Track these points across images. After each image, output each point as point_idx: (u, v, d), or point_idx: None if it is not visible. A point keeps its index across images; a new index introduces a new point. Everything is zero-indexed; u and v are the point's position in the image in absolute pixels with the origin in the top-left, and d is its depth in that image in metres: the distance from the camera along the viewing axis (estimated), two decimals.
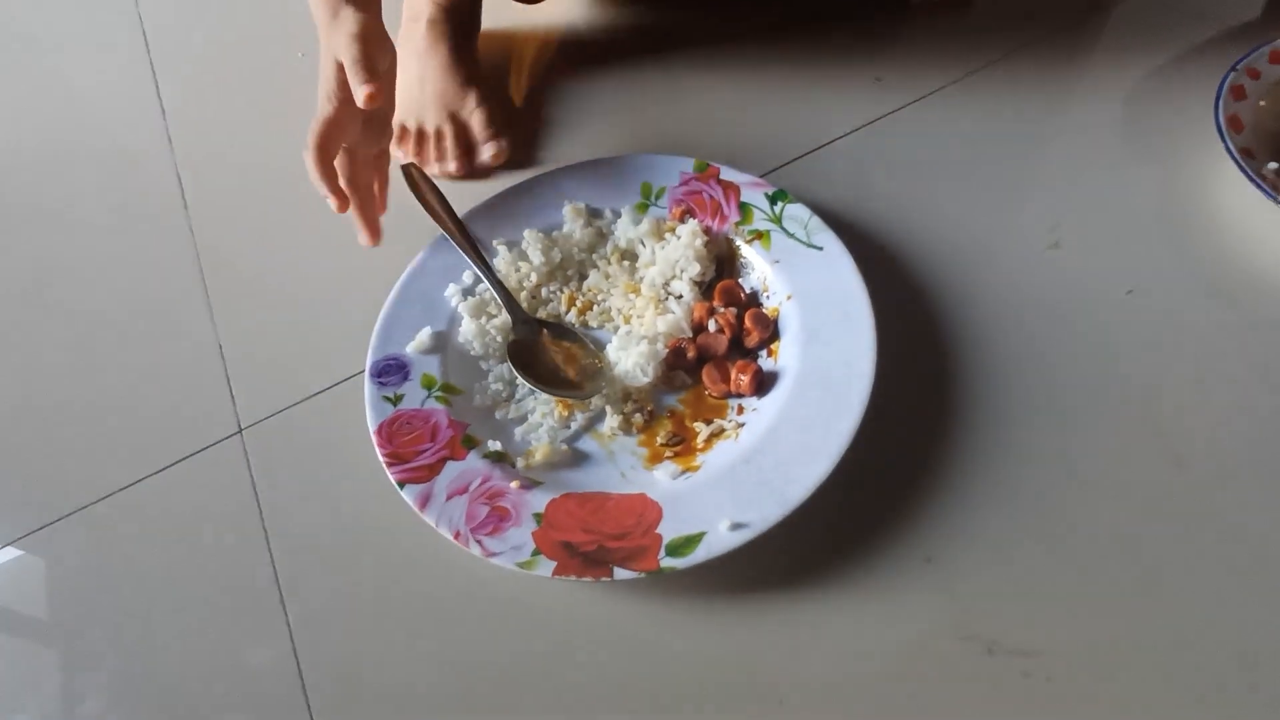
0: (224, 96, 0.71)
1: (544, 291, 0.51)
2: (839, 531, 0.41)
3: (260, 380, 0.51)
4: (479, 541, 0.39)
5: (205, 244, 0.59)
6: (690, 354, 0.46)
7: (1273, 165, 0.49)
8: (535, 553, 0.39)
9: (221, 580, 0.43)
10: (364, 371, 0.47)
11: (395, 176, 0.55)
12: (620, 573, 0.38)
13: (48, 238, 0.62)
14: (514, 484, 0.42)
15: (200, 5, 0.80)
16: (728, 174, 0.53)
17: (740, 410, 0.45)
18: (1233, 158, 0.48)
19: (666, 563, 0.38)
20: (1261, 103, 0.52)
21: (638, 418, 0.45)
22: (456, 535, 0.40)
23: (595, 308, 0.51)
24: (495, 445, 0.44)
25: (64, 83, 0.75)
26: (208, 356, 0.53)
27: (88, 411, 0.52)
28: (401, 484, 0.42)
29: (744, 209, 0.52)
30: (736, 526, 0.38)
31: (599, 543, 0.39)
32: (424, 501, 0.41)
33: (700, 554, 0.38)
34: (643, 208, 0.53)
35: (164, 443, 0.49)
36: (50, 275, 0.60)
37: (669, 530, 0.39)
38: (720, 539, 0.38)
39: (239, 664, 0.41)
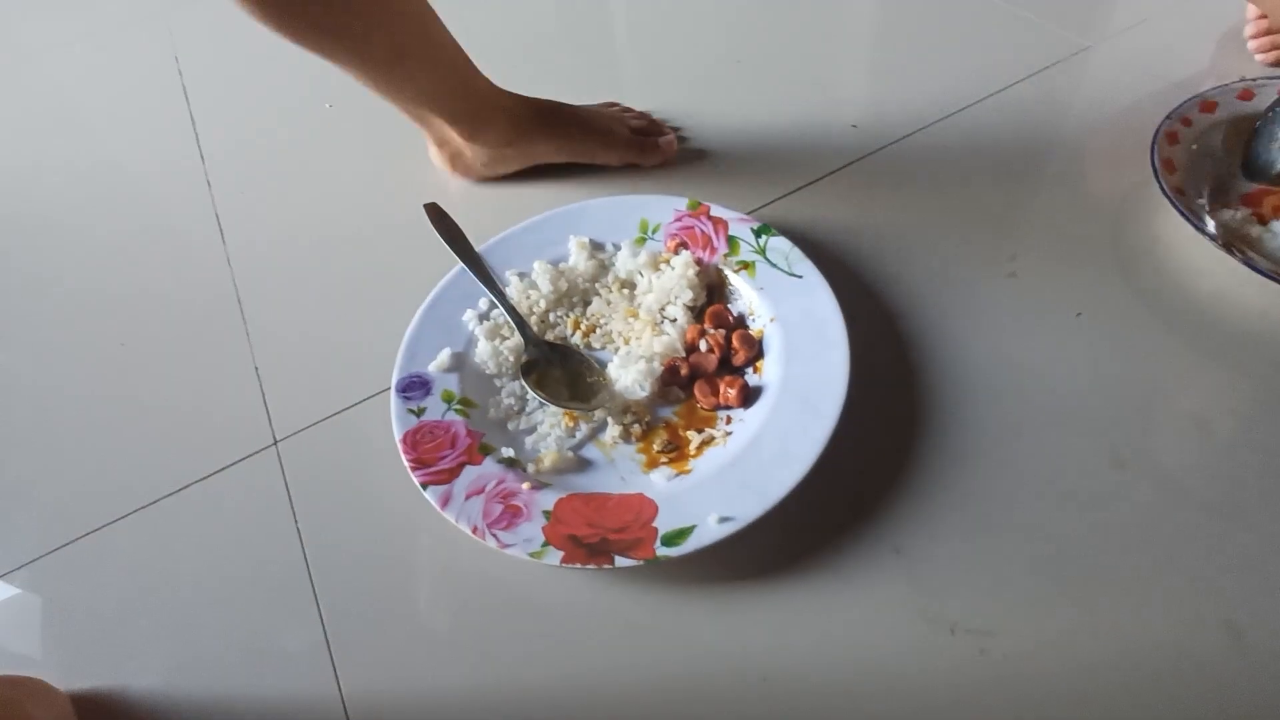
0: (258, 139, 0.78)
1: (551, 316, 0.57)
2: (816, 526, 0.45)
3: (293, 397, 0.56)
4: (495, 535, 0.44)
5: (242, 274, 0.65)
6: (683, 371, 0.52)
7: (1200, 202, 0.55)
8: (544, 544, 0.43)
9: (259, 579, 0.48)
10: (389, 389, 0.52)
11: (419, 213, 0.61)
12: (621, 561, 0.42)
13: (98, 268, 0.68)
14: (525, 485, 0.47)
15: (236, 59, 0.87)
16: (717, 211, 0.59)
17: (728, 420, 0.50)
18: (1165, 195, 0.54)
19: (661, 552, 0.42)
20: (1194, 146, 0.58)
21: (636, 428, 0.50)
22: (474, 530, 0.44)
23: (598, 331, 0.56)
24: (508, 452, 0.49)
25: (110, 128, 0.82)
26: (245, 376, 0.58)
27: (135, 423, 0.57)
28: (425, 485, 0.46)
29: (732, 242, 0.58)
30: (723, 520, 0.43)
31: (601, 535, 0.44)
32: (445, 501, 0.46)
33: (691, 544, 0.42)
34: (641, 241, 0.59)
35: (205, 453, 0.54)
36: (101, 301, 0.65)
37: (664, 524, 0.44)
38: (709, 531, 0.43)
39: (277, 654, 0.45)
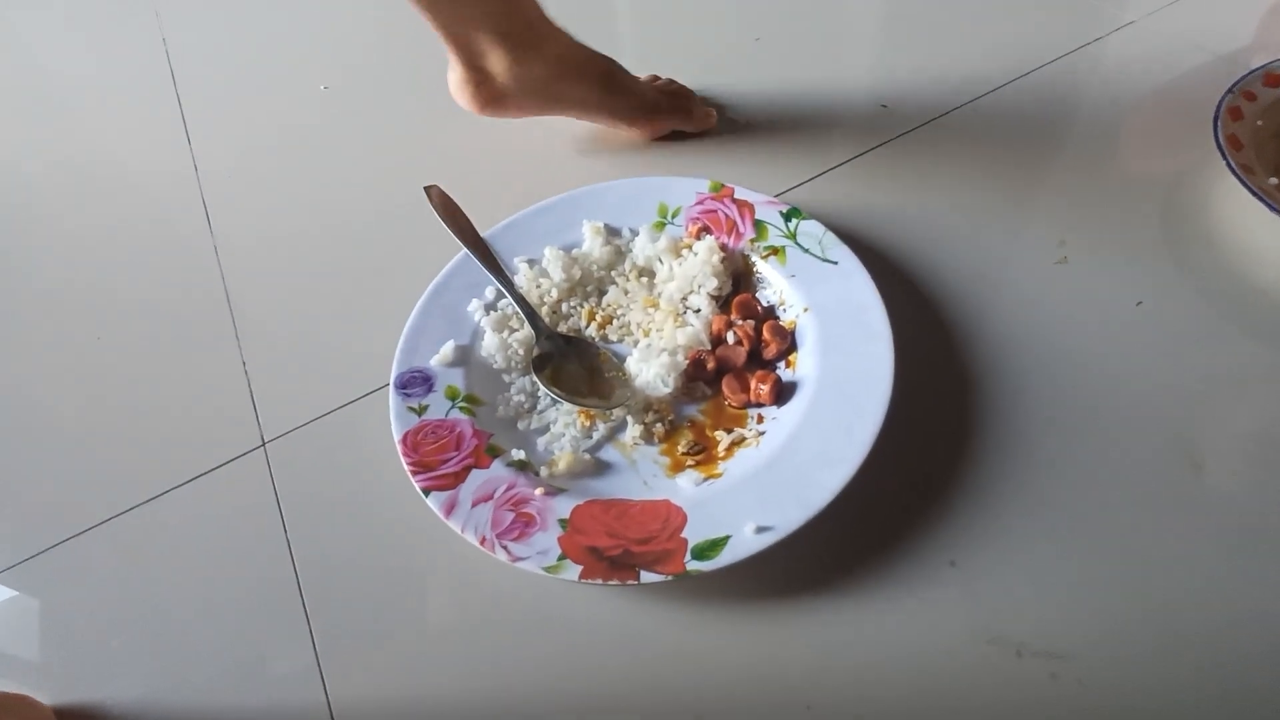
0: (248, 121, 0.73)
1: (564, 307, 0.52)
2: (862, 536, 0.41)
3: (283, 395, 0.52)
4: (505, 547, 0.40)
5: (229, 264, 0.61)
6: (710, 365, 0.47)
7: (1273, 180, 0.50)
8: (561, 557, 0.39)
9: (246, 588, 0.43)
10: (386, 386, 0.47)
11: (419, 197, 0.56)
12: (646, 576, 0.38)
13: (76, 258, 0.64)
14: (538, 491, 0.42)
15: (225, 38, 0.83)
16: (742, 193, 0.55)
17: (760, 419, 0.46)
18: (1234, 173, 0.49)
19: (692, 566, 0.38)
20: (1259, 122, 0.54)
21: (659, 427, 0.46)
22: (483, 541, 0.40)
23: (615, 322, 0.52)
24: (519, 454, 0.44)
25: (99, 125, 0.77)
26: (232, 373, 0.53)
27: (114, 425, 0.52)
28: (427, 491, 0.42)
29: (759, 226, 0.53)
30: (761, 530, 0.38)
31: (624, 547, 0.39)
32: (450, 508, 0.41)
33: (726, 557, 0.38)
34: (660, 226, 0.55)
35: (190, 456, 0.49)
36: (77, 292, 0.61)
37: (694, 534, 0.39)
38: (745, 542, 0.38)
39: (265, 671, 0.41)
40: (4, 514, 0.49)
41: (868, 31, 0.75)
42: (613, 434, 0.46)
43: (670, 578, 0.38)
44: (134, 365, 0.56)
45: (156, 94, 0.77)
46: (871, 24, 0.76)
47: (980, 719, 0.36)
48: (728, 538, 0.39)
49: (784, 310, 0.50)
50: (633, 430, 0.46)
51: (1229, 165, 0.50)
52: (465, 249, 0.53)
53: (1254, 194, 0.48)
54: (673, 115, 0.63)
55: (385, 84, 0.74)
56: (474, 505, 0.41)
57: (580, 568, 0.38)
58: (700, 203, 0.55)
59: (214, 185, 0.67)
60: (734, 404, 0.46)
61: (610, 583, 0.38)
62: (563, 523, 0.41)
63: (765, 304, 0.51)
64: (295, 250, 0.61)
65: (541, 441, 0.46)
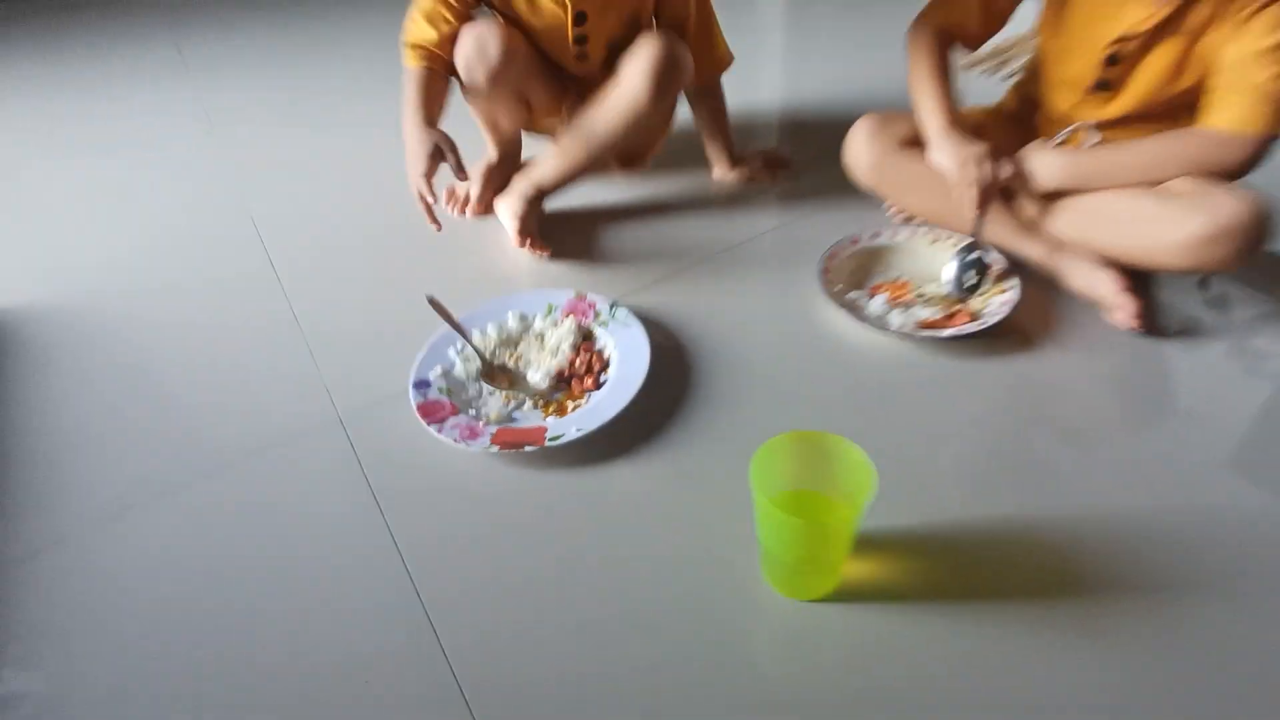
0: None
1: (498, 350, 1.04)
2: (621, 435, 0.91)
3: (346, 386, 1.01)
4: (463, 442, 0.88)
5: (300, 307, 1.11)
6: (566, 374, 0.99)
7: (850, 295, 1.06)
8: (488, 444, 0.88)
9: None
10: (408, 385, 0.97)
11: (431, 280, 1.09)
12: (527, 449, 0.87)
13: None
14: (480, 424, 0.92)
15: (315, 224, 1.38)
16: (591, 297, 1.09)
17: (586, 396, 0.96)
18: (827, 294, 1.05)
19: (548, 444, 0.87)
20: (846, 262, 1.11)
21: (540, 402, 0.96)
22: (455, 440, 0.89)
23: (522, 358, 1.03)
24: (472, 413, 0.94)
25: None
26: (299, 355, 1.02)
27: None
28: (429, 425, 0.91)
29: (596, 312, 1.07)
30: (578, 430, 0.88)
31: (516, 439, 0.89)
32: (439, 429, 0.90)
33: (563, 440, 0.87)
34: (549, 312, 1.08)
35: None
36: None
37: (550, 434, 0.89)
38: (570, 435, 0.88)
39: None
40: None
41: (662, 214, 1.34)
42: (518, 405, 0.96)
43: (536, 448, 0.87)
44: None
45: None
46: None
47: None
48: (562, 434, 0.88)
49: (605, 349, 1.03)
50: (528, 403, 0.96)
51: (823, 289, 1.06)
52: (448, 325, 1.05)
53: (837, 305, 1.04)
54: None
55: (410, 235, 1.29)
56: (453, 429, 0.90)
57: (496, 446, 0.87)
58: (569, 302, 1.09)
59: (277, 246, 1.19)
60: (577, 392, 0.97)
61: (507, 450, 0.87)
62: (490, 435, 0.90)
63: (597, 346, 1.03)
64: (348, 292, 1.12)
65: (483, 407, 0.96)
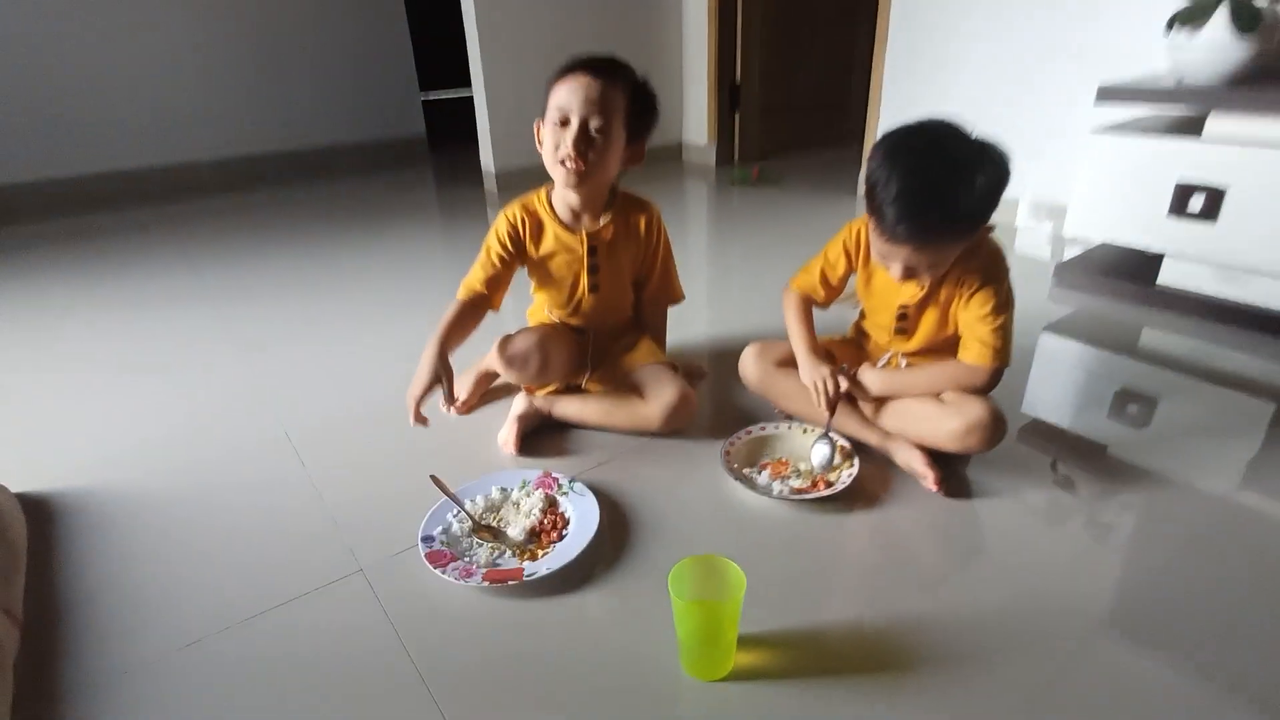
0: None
1: (484, 514, 1.38)
2: (572, 577, 1.23)
3: (364, 543, 1.31)
4: (461, 580, 1.19)
5: (317, 475, 1.43)
6: (537, 530, 1.33)
7: (745, 470, 1.46)
8: (480, 580, 1.19)
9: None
10: (417, 539, 1.29)
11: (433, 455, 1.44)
12: (509, 581, 1.18)
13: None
14: (473, 567, 1.23)
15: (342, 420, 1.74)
16: (555, 473, 1.46)
17: (552, 546, 1.30)
18: (728, 470, 1.45)
19: (526, 578, 1.19)
20: (742, 447, 1.52)
21: (519, 551, 1.29)
22: (455, 577, 1.20)
23: (502, 520, 1.37)
24: (466, 559, 1.26)
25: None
26: (313, 511, 1.33)
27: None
28: (435, 567, 1.22)
29: (559, 484, 1.43)
30: (548, 569, 1.21)
31: (501, 577, 1.20)
32: (443, 570, 1.21)
33: (535, 576, 1.20)
34: (523, 485, 1.44)
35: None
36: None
37: (527, 571, 1.21)
38: (541, 573, 1.20)
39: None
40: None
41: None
42: (500, 554, 1.29)
43: (515, 582, 1.18)
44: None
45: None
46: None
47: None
48: (535, 572, 1.21)
49: (567, 513, 1.38)
50: (508, 553, 1.28)
51: (725, 467, 1.46)
52: (446, 497, 1.39)
53: (737, 479, 1.43)
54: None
55: (416, 430, 1.65)
56: (453, 570, 1.22)
57: (486, 582, 1.19)
58: (539, 478, 1.45)
59: (293, 420, 1.52)
60: (544, 545, 1.31)
61: (496, 584, 1.18)
62: (481, 574, 1.21)
63: (560, 509, 1.38)
64: (357, 461, 1.44)
65: (473, 556, 1.28)
